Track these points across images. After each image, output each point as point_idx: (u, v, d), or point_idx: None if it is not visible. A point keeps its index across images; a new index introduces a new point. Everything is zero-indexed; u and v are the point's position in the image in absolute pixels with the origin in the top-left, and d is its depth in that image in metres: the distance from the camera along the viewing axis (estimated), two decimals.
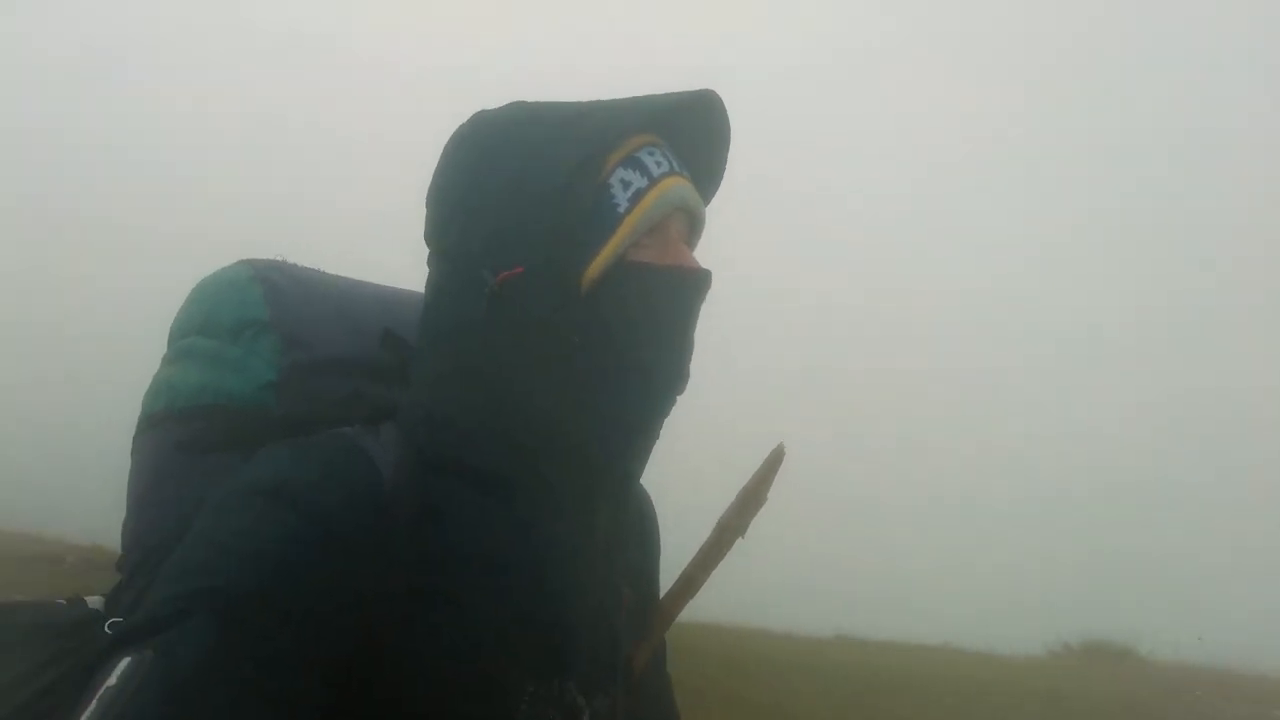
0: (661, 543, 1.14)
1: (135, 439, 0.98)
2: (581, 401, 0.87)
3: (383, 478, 0.83)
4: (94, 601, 0.97)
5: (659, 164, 0.91)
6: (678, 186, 0.91)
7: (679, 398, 0.93)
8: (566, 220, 0.86)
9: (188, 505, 0.87)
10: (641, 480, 1.06)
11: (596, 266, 0.86)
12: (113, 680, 0.68)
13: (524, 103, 0.96)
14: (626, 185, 0.88)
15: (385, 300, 1.06)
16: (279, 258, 1.05)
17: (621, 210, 0.87)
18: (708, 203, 1.00)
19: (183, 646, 0.70)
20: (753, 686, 6.00)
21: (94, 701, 0.67)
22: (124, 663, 0.69)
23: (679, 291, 0.91)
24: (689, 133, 0.96)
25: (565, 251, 0.86)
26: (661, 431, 0.94)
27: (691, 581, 1.02)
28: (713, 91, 0.94)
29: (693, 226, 0.96)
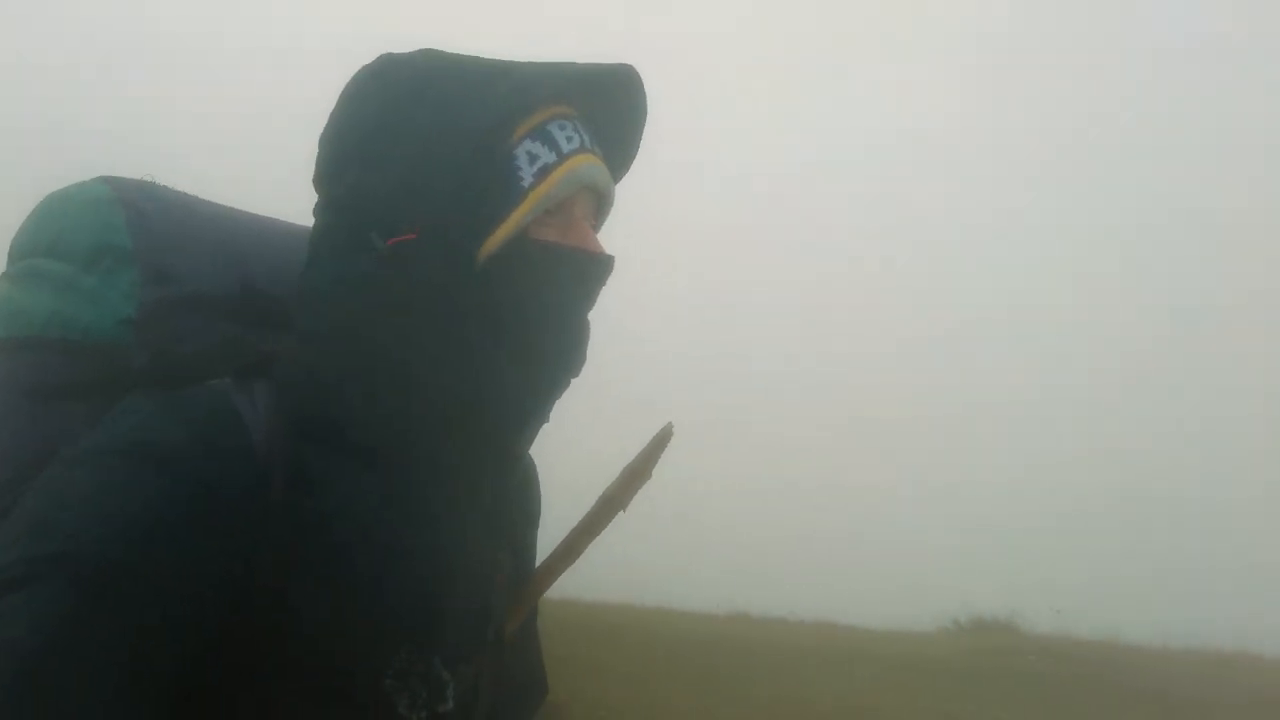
0: (545, 514, 1.13)
1: None
2: (464, 377, 0.84)
3: (253, 441, 0.79)
4: None
5: (570, 139, 0.88)
6: (587, 165, 0.89)
7: (573, 380, 0.92)
8: (467, 188, 0.82)
9: (31, 454, 0.83)
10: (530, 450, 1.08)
11: (494, 241, 0.83)
12: None
13: (437, 52, 0.91)
14: (533, 159, 0.85)
15: (267, 234, 0.99)
16: (147, 177, 0.97)
17: (526, 185, 0.85)
18: (618, 182, 0.97)
19: (30, 613, 0.66)
20: (618, 656, 6.33)
21: None
22: None
23: (578, 274, 0.88)
24: (604, 108, 0.93)
25: (463, 221, 0.83)
26: (550, 412, 0.92)
27: (570, 551, 1.03)
28: (631, 66, 0.92)
29: (600, 207, 0.94)
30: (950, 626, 10.36)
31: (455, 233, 0.83)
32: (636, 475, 1.02)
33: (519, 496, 1.06)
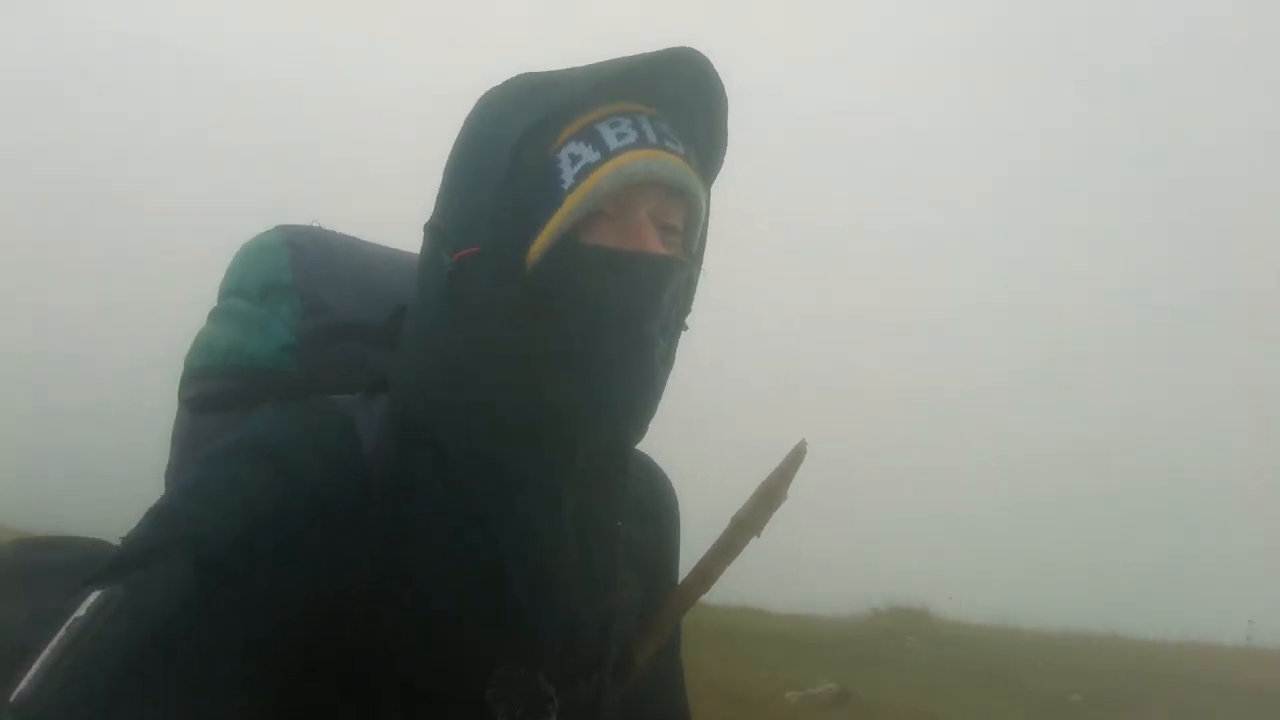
0: (683, 533, 1.10)
1: (179, 393, 1.01)
2: (520, 386, 0.84)
3: (364, 448, 0.83)
4: None
5: (622, 135, 0.84)
6: (643, 160, 0.83)
7: (664, 388, 0.89)
8: (511, 198, 0.83)
9: (187, 456, 0.95)
10: (663, 469, 1.09)
11: (538, 247, 0.82)
12: (81, 612, 0.67)
13: (523, 74, 0.91)
14: (575, 160, 0.83)
15: (413, 267, 0.98)
16: (314, 223, 1.07)
17: (566, 187, 0.82)
18: (713, 176, 0.93)
19: (156, 585, 0.70)
20: None
21: (62, 630, 0.67)
22: (93, 595, 0.69)
23: (627, 276, 0.83)
24: (675, 99, 0.89)
25: (511, 230, 0.83)
26: (636, 425, 0.87)
27: (704, 576, 0.99)
28: (688, 49, 0.85)
29: (676, 203, 0.87)
30: (869, 613, 11.53)
31: (505, 243, 0.83)
32: (771, 496, 0.98)
33: (643, 511, 1.02)
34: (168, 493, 0.81)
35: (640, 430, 0.89)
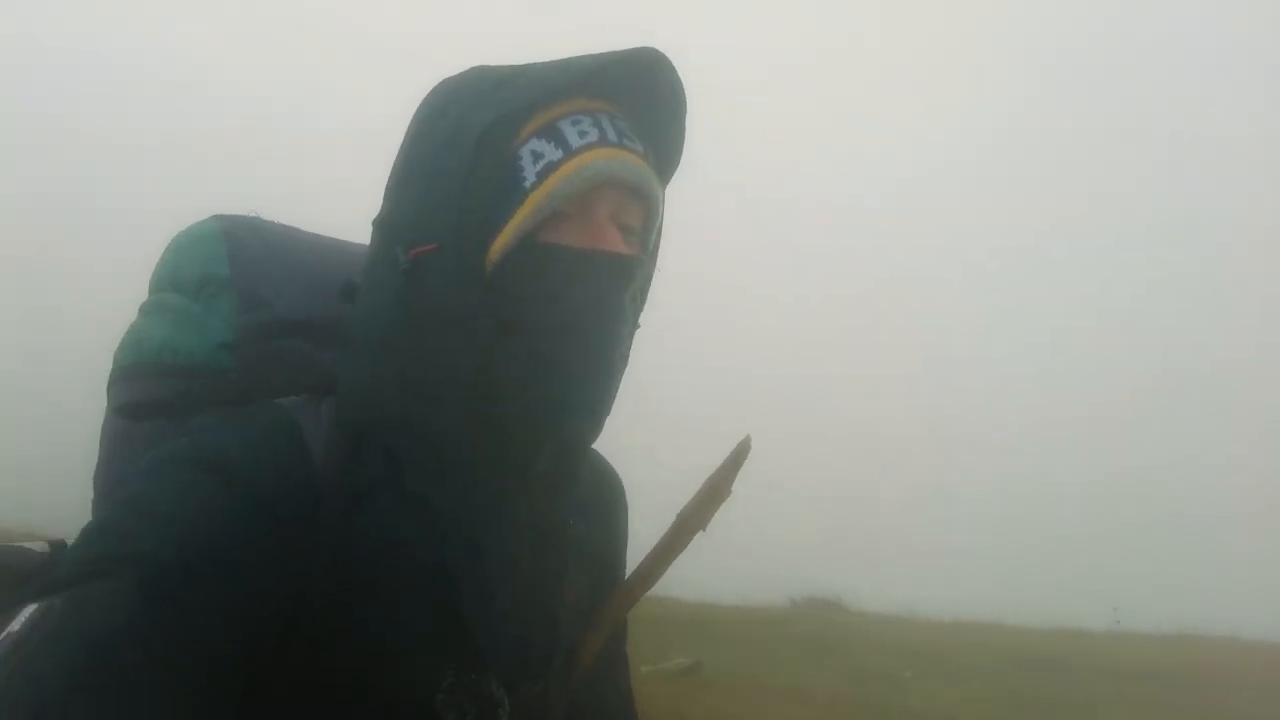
0: (631, 530, 1.10)
1: (107, 389, 0.97)
2: (476, 387, 0.82)
3: (313, 454, 0.81)
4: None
5: (584, 134, 0.83)
6: (604, 160, 0.83)
7: (618, 390, 0.88)
8: (472, 196, 0.81)
9: (123, 467, 0.90)
10: (614, 465, 1.08)
11: (499, 247, 0.81)
12: (15, 626, 0.66)
13: (481, 67, 0.90)
14: (537, 158, 0.82)
15: (358, 259, 0.96)
16: (253, 213, 1.03)
17: (528, 185, 0.82)
18: (669, 175, 0.93)
19: (96, 602, 0.68)
20: None
21: None
22: (30, 609, 0.67)
23: (587, 275, 0.83)
24: (635, 98, 0.88)
25: (470, 229, 0.81)
26: (594, 425, 0.88)
27: (650, 573, 0.99)
28: (651, 50, 0.85)
29: (636, 203, 0.87)
30: (787, 604, 12.39)
31: (464, 241, 0.81)
32: (715, 493, 0.97)
33: (590, 510, 1.02)
34: (108, 506, 0.79)
35: (596, 430, 0.89)
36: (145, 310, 1.00)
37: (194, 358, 0.94)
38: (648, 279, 0.93)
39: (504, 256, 0.82)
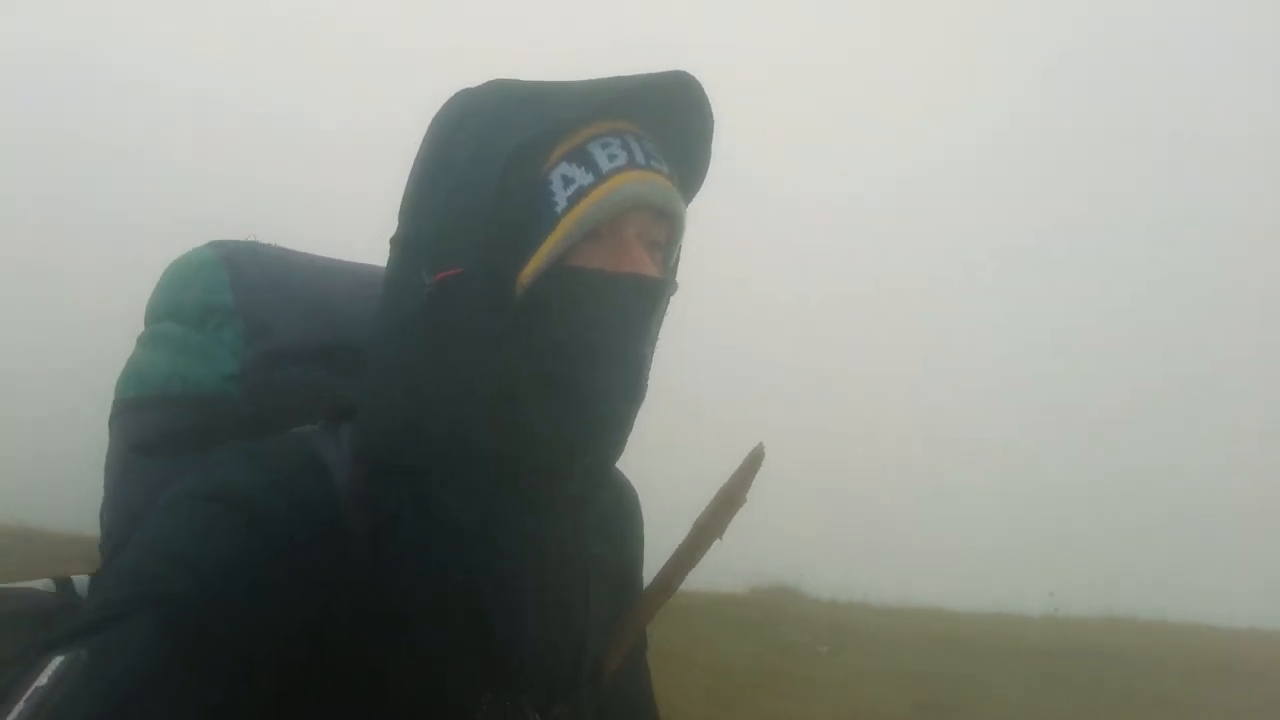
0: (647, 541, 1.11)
1: (110, 422, 0.96)
2: (503, 412, 0.82)
3: (335, 485, 0.81)
4: (80, 583, 0.95)
5: (613, 157, 0.84)
6: (634, 183, 0.84)
7: (640, 411, 0.88)
8: (501, 219, 0.80)
9: (138, 505, 0.88)
10: (627, 476, 1.08)
11: (529, 271, 0.81)
12: (43, 680, 0.65)
13: (501, 81, 0.89)
14: (568, 182, 0.82)
15: (362, 282, 0.99)
16: (251, 238, 1.03)
17: (559, 210, 0.81)
18: (690, 197, 0.93)
19: (120, 649, 0.67)
20: None
21: (21, 701, 0.64)
22: (56, 661, 0.66)
23: (619, 300, 0.83)
24: (664, 120, 0.89)
25: (500, 254, 0.81)
26: (622, 443, 0.89)
27: (669, 582, 0.99)
28: (684, 73, 0.86)
29: (661, 222, 0.88)
30: (748, 591, 12.93)
31: (493, 266, 0.81)
32: (730, 500, 0.98)
33: (609, 526, 1.03)
34: (130, 547, 0.76)
35: (620, 451, 0.90)
36: (144, 341, 0.99)
37: (202, 389, 0.93)
38: (669, 298, 0.92)
39: (534, 281, 0.82)
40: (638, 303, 0.85)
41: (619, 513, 1.08)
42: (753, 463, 0.99)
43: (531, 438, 0.83)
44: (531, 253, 0.82)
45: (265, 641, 0.73)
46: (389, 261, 0.90)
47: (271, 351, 0.95)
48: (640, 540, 1.12)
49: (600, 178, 0.83)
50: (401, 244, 0.88)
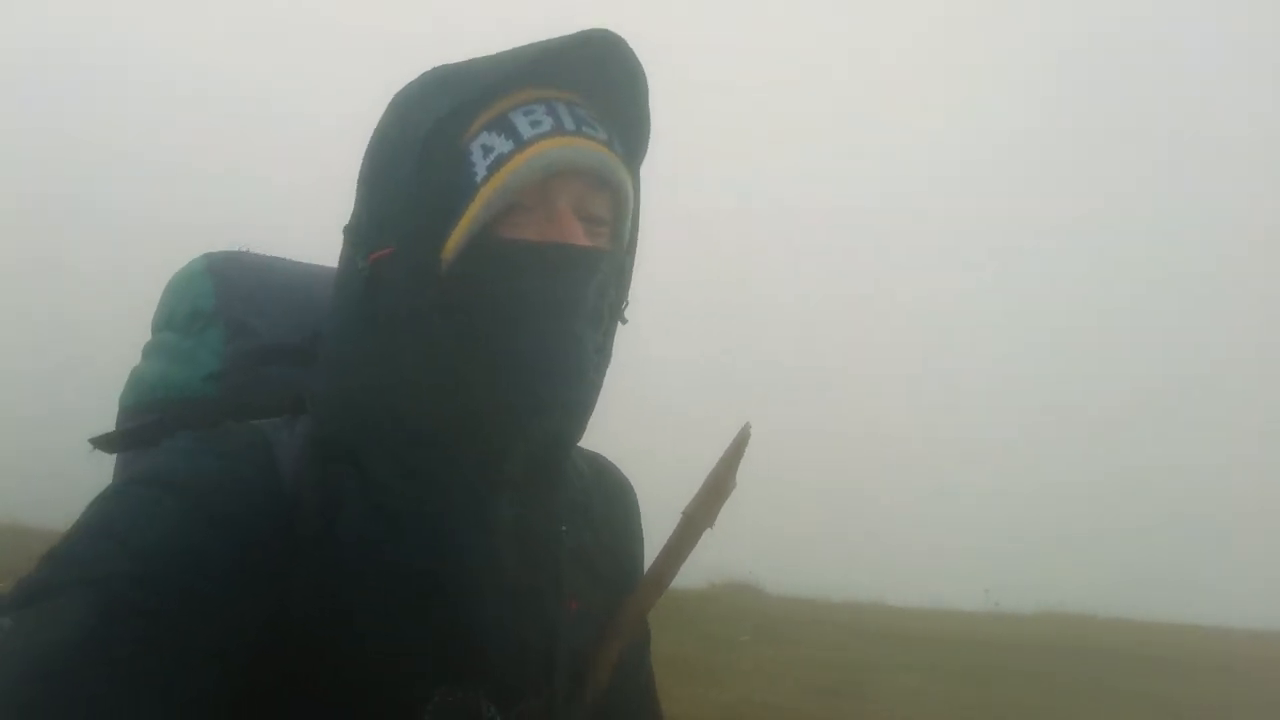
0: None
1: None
2: (437, 390, 0.81)
3: (283, 471, 0.81)
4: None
5: (537, 123, 0.82)
6: (559, 149, 0.81)
7: (601, 387, 0.87)
8: (423, 194, 0.80)
9: None
10: (619, 466, 1.07)
11: (452, 245, 0.80)
12: None
13: (438, 66, 0.88)
14: (488, 151, 0.81)
15: None
16: (242, 248, 1.05)
17: (479, 180, 0.80)
18: (638, 161, 0.90)
19: (51, 621, 0.66)
20: None
21: None
22: None
23: (546, 270, 0.81)
24: (593, 83, 0.86)
25: (423, 229, 0.80)
26: (572, 423, 0.87)
27: (661, 576, 0.96)
28: (603, 31, 0.82)
29: (600, 192, 0.85)
30: (707, 587, 13.37)
31: (420, 241, 0.80)
32: (720, 487, 0.95)
33: (598, 517, 1.01)
34: (67, 533, 0.75)
35: (576, 430, 0.89)
36: (145, 353, 1.03)
37: (185, 390, 0.95)
38: (622, 271, 0.90)
39: (458, 255, 0.80)
40: (567, 274, 0.82)
41: (608, 501, 1.06)
42: (739, 446, 0.96)
43: (465, 416, 0.83)
44: (453, 226, 0.81)
45: (205, 622, 0.72)
46: (341, 250, 0.90)
47: (250, 350, 0.96)
48: (639, 536, 1.09)
49: (521, 144, 0.81)
50: (346, 231, 0.89)
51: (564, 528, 0.92)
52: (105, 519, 0.75)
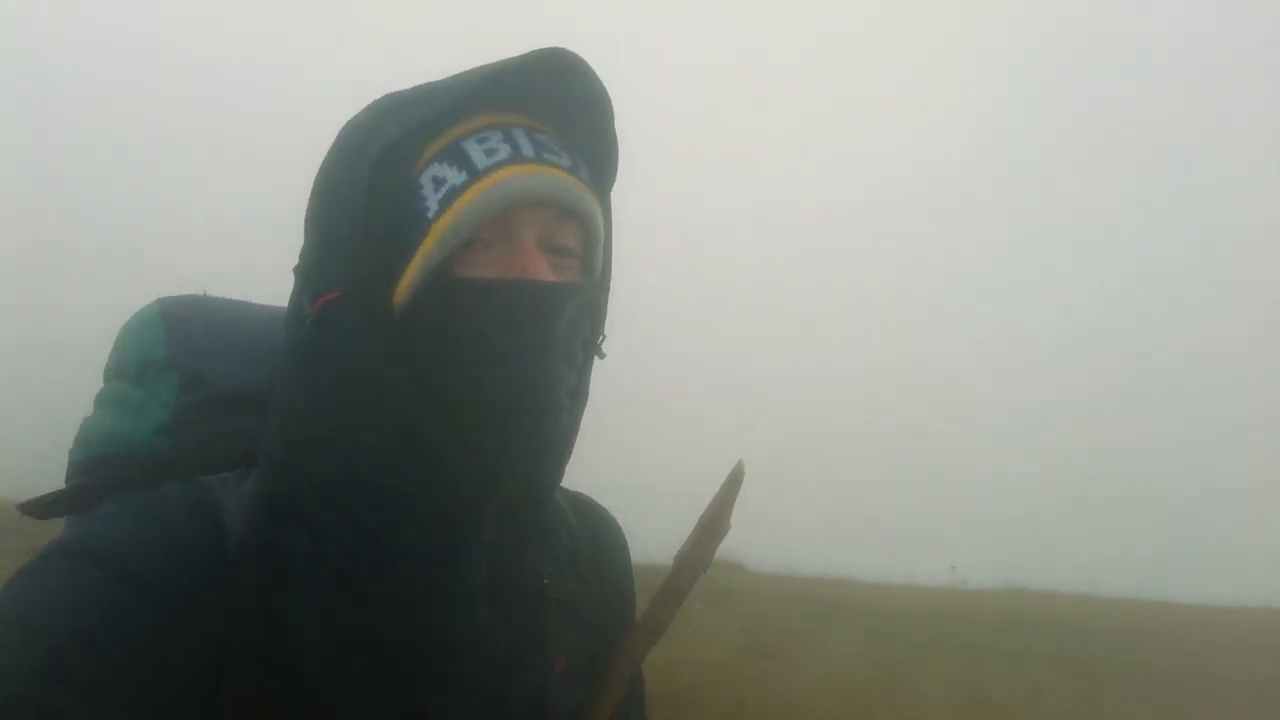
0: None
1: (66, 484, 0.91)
2: (391, 440, 0.74)
3: (228, 533, 0.75)
4: None
5: (492, 151, 0.76)
6: (518, 178, 0.76)
7: (562, 429, 0.80)
8: (370, 233, 0.74)
9: None
10: (606, 509, 1.01)
11: (404, 286, 0.74)
12: None
13: (391, 93, 0.81)
14: (439, 184, 0.75)
15: None
16: (201, 292, 0.99)
17: (430, 215, 0.74)
18: (607, 187, 0.85)
19: None
20: None
21: None
22: None
23: (502, 309, 0.74)
24: (552, 107, 0.81)
25: (373, 270, 0.74)
26: (547, 467, 0.81)
27: (655, 623, 0.90)
28: (559, 50, 0.76)
29: (567, 222, 0.79)
30: None
31: (369, 283, 0.74)
32: (713, 529, 0.90)
33: (585, 565, 0.95)
34: None
35: (551, 478, 0.83)
36: (96, 402, 0.96)
37: (134, 445, 0.87)
38: (595, 305, 0.83)
39: (411, 297, 0.75)
40: (531, 313, 0.76)
41: (596, 547, 1.00)
42: (732, 485, 0.91)
43: (425, 472, 0.75)
44: (404, 266, 0.75)
45: (131, 706, 0.66)
46: (290, 293, 0.84)
47: (205, 401, 0.89)
48: (628, 574, 1.03)
49: (475, 175, 0.76)
50: (296, 272, 0.83)
51: (546, 581, 0.87)
52: (18, 600, 0.69)
